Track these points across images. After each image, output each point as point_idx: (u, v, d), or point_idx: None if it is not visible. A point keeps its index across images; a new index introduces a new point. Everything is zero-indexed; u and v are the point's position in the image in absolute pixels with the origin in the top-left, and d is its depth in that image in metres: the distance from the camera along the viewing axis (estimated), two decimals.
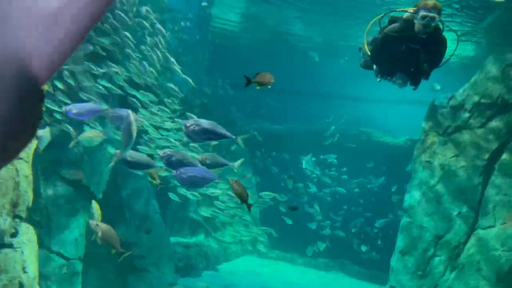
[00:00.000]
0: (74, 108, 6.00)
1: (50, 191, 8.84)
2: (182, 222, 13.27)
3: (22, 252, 6.19)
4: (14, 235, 6.21)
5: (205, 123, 5.03)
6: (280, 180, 14.81)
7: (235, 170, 6.91)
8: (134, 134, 5.13)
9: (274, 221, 13.61)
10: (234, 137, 5.34)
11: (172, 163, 5.56)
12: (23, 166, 5.99)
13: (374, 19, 5.14)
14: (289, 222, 12.91)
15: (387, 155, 14.52)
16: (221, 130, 5.05)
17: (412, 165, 9.82)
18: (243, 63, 18.89)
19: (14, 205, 6.00)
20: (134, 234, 10.46)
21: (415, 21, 4.64)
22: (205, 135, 5.03)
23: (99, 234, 4.98)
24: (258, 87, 5.06)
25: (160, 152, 5.79)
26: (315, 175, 14.96)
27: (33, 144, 6.22)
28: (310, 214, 14.28)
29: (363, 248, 13.79)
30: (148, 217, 10.64)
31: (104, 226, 5.07)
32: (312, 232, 13.92)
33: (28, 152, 6.14)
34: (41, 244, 7.82)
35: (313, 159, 15.14)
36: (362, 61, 5.71)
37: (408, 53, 4.78)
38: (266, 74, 5.09)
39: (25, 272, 6.13)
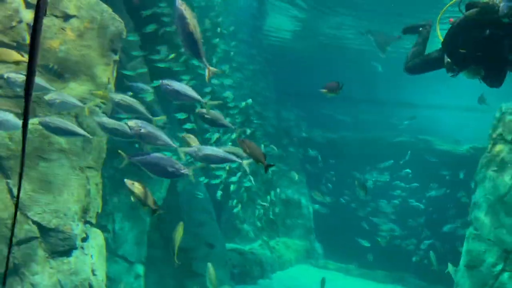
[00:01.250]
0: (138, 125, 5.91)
1: (115, 198, 9.32)
2: (236, 228, 13.45)
3: (92, 256, 6.56)
4: (84, 239, 6.59)
5: (176, 84, 5.25)
6: (339, 188, 14.63)
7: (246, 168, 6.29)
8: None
9: (329, 229, 13.42)
10: (203, 100, 5.56)
11: (141, 136, 5.30)
12: (93, 174, 6.37)
13: (450, 2, 4.45)
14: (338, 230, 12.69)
15: (449, 164, 13.89)
16: (193, 93, 5.31)
17: (477, 174, 9.33)
18: (299, 70, 19.00)
19: (85, 211, 6.38)
20: (191, 240, 10.77)
21: (498, 3, 3.88)
22: (177, 96, 5.26)
23: (135, 191, 5.31)
24: (327, 95, 5.12)
25: (131, 122, 5.28)
26: (376, 184, 14.63)
27: (103, 154, 6.60)
28: (368, 223, 13.95)
29: (424, 260, 13.24)
30: (205, 224, 10.90)
31: (139, 185, 5.40)
32: (371, 242, 13.56)
33: (98, 161, 6.53)
34: (107, 248, 8.26)
35: (377, 167, 14.85)
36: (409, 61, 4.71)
37: (491, 41, 4.04)
38: (334, 83, 5.13)
39: (94, 274, 6.49)
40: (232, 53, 11.51)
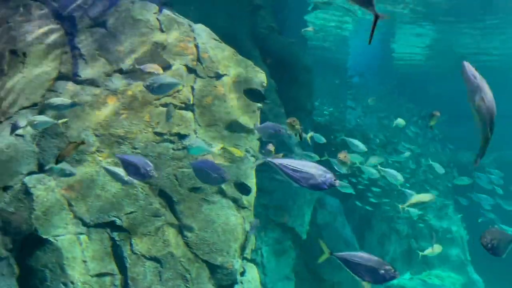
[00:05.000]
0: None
1: (262, 233, 9.89)
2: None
3: None
4: (242, 274, 7.13)
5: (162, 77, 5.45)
6: None
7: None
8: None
9: (490, 262, 12.10)
10: (180, 83, 5.71)
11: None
12: (248, 214, 6.95)
13: None
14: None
15: None
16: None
17: None
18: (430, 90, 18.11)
19: (242, 248, 6.94)
20: (337, 274, 10.77)
21: None
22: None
23: None
24: None
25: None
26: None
27: (253, 194, 7.16)
28: None
29: None
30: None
31: None
32: None
33: (250, 201, 7.11)
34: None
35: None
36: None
37: None
38: None
39: None
40: None
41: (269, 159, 4.23)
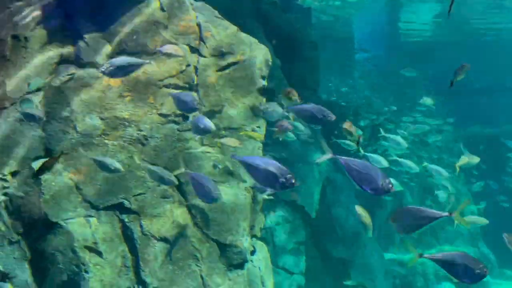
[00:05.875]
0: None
1: (272, 212, 9.92)
2: (390, 236, 13.02)
3: (259, 268, 7.08)
4: (252, 253, 7.16)
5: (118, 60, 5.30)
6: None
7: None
8: None
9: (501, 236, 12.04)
10: (148, 62, 5.57)
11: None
12: (257, 193, 6.93)
13: None
14: None
15: None
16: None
17: None
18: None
19: (251, 227, 6.96)
20: (347, 250, 10.81)
21: None
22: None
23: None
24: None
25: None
26: None
27: None
28: None
29: None
30: (360, 234, 10.83)
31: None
32: None
33: None
34: None
35: None
36: None
37: None
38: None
39: (263, 285, 6.98)
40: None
41: (337, 156, 4.15)
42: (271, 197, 7.23)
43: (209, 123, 5.55)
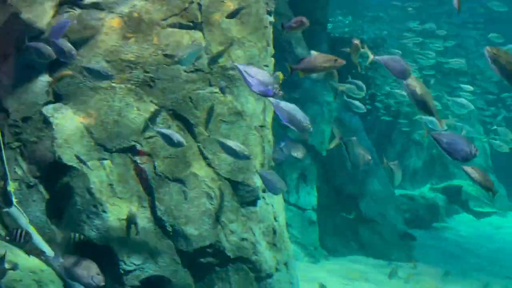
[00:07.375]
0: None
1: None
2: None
3: (272, 205, 7.26)
4: (264, 190, 7.30)
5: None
6: None
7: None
8: None
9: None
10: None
11: None
12: (266, 133, 6.96)
13: None
14: None
15: None
16: None
17: None
18: None
19: (262, 166, 7.05)
20: (358, 187, 10.99)
21: None
22: None
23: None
24: None
25: None
26: None
27: (271, 114, 7.10)
28: None
29: None
30: (370, 170, 10.94)
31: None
32: None
33: (268, 121, 7.08)
34: None
35: None
36: None
37: None
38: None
39: (276, 221, 7.20)
40: None
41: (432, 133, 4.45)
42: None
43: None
